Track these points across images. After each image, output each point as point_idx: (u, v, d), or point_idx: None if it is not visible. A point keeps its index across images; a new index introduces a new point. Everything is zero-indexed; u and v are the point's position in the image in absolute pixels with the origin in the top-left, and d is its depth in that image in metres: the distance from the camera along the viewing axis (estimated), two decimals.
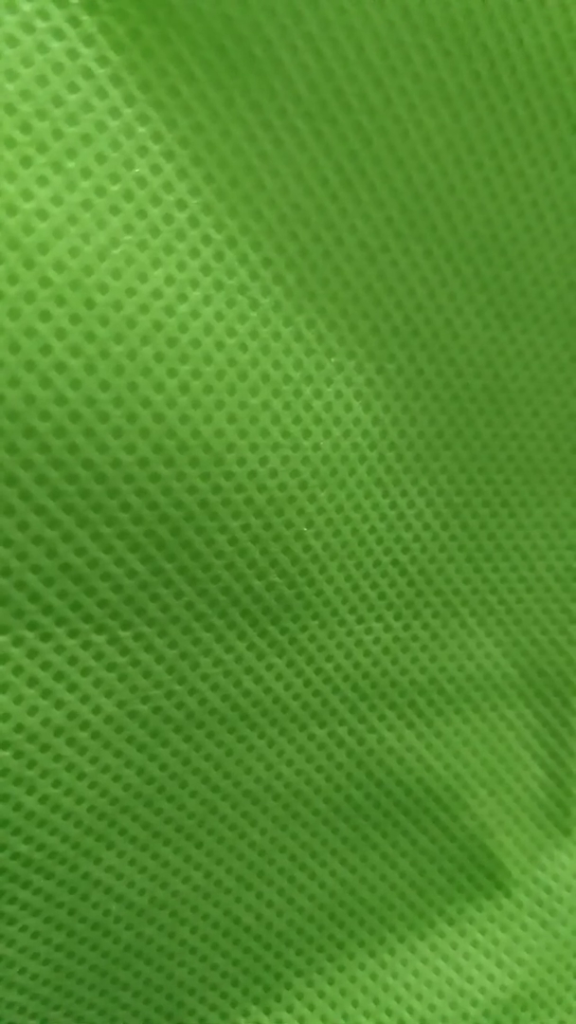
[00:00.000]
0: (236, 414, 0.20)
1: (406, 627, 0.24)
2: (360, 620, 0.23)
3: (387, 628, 0.24)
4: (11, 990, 0.21)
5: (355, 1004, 0.25)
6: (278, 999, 0.24)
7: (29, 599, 0.19)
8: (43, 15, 0.17)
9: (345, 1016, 0.24)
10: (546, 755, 0.27)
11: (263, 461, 0.21)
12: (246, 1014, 0.24)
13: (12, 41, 0.17)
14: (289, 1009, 0.24)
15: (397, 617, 0.24)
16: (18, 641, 0.19)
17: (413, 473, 0.23)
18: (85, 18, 0.17)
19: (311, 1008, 0.24)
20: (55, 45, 0.17)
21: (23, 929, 0.21)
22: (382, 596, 0.24)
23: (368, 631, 0.24)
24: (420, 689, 0.25)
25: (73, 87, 0.17)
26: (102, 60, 0.18)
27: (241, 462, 0.20)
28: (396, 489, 0.23)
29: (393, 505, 0.23)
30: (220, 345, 0.20)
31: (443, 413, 0.23)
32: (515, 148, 0.22)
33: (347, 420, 0.22)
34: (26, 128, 0.17)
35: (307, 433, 0.21)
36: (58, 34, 0.17)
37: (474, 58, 0.21)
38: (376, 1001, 0.25)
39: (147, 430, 0.19)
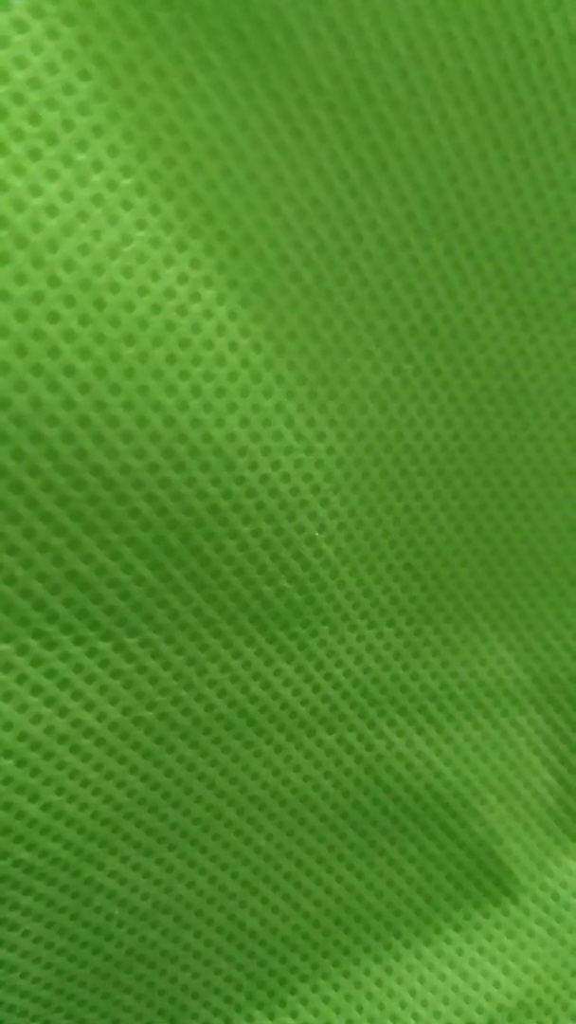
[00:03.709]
0: (249, 417, 0.19)
1: (418, 632, 0.24)
2: (371, 625, 0.23)
3: (399, 633, 0.23)
4: (12, 994, 0.21)
5: (360, 1010, 0.24)
6: (282, 1004, 0.24)
7: (34, 607, 0.18)
8: None
9: (350, 1022, 0.24)
10: (556, 761, 0.26)
11: (276, 465, 0.20)
12: (250, 1019, 0.24)
13: (21, 27, 0.16)
14: (293, 1015, 0.24)
15: (409, 622, 0.24)
16: (23, 649, 0.18)
17: (428, 476, 0.23)
18: (98, 3, 0.17)
19: (315, 1013, 0.24)
20: (66, 31, 0.16)
21: (25, 934, 0.20)
22: (394, 600, 0.23)
23: (379, 636, 0.23)
24: (431, 694, 0.24)
25: (84, 75, 0.17)
26: (115, 47, 0.17)
27: (253, 466, 0.20)
28: (410, 492, 0.22)
29: (407, 508, 0.23)
30: (234, 346, 0.19)
31: (460, 415, 0.22)
32: (542, 142, 0.21)
33: (362, 422, 0.21)
34: (35, 119, 0.16)
35: (321, 436, 0.21)
36: (69, 19, 0.16)
37: (502, 48, 0.20)
38: (381, 1007, 0.25)
39: (157, 434, 0.18)
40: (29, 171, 0.16)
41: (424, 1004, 0.25)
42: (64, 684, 0.19)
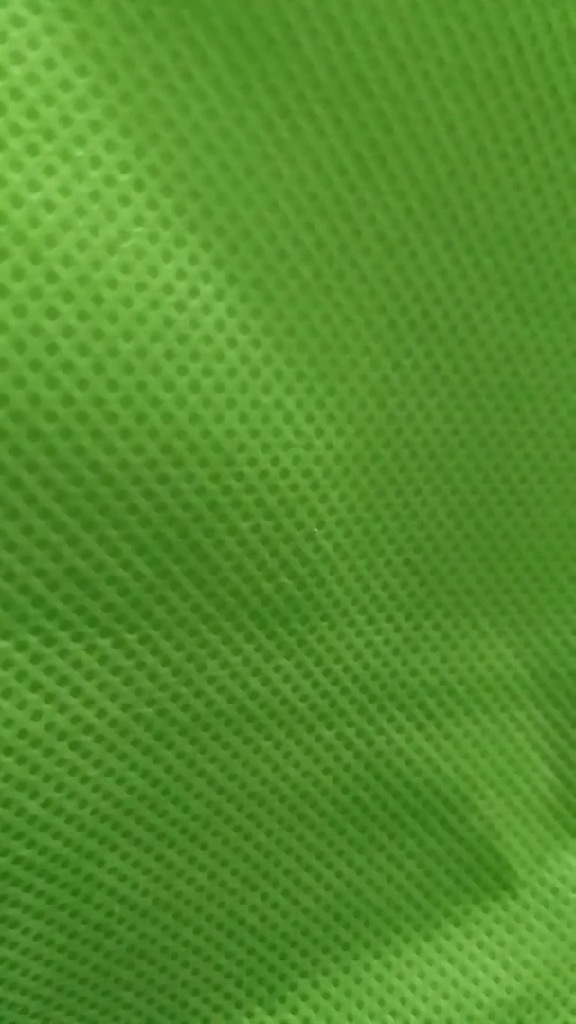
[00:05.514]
0: (248, 413, 0.19)
1: (417, 627, 0.24)
2: (370, 621, 0.23)
3: (397, 629, 0.23)
4: (13, 991, 0.21)
5: (360, 1005, 0.24)
6: (282, 1000, 0.24)
7: (33, 603, 0.18)
8: None
9: (350, 1017, 0.24)
10: (555, 756, 0.26)
11: (275, 461, 0.20)
12: (250, 1015, 0.24)
13: (18, 22, 0.16)
14: (293, 1010, 0.24)
15: (408, 617, 0.23)
16: (21, 646, 0.18)
17: (427, 471, 0.23)
18: None
19: (315, 1009, 0.24)
20: (64, 27, 0.16)
21: (25, 932, 0.20)
22: (393, 596, 0.23)
23: (378, 632, 0.23)
24: (430, 690, 0.24)
25: (82, 71, 0.17)
26: (113, 42, 0.17)
27: (253, 462, 0.20)
28: (409, 488, 0.22)
29: (406, 504, 0.23)
30: (232, 341, 0.19)
31: (459, 410, 0.22)
32: (540, 137, 0.21)
33: (360, 418, 0.21)
34: (32, 115, 0.16)
35: (320, 431, 0.21)
36: (67, 15, 0.16)
37: (501, 43, 0.20)
38: (381, 1002, 0.25)
39: (156, 431, 0.18)
40: (27, 166, 0.16)
41: (424, 999, 0.25)
42: (63, 680, 0.19)
